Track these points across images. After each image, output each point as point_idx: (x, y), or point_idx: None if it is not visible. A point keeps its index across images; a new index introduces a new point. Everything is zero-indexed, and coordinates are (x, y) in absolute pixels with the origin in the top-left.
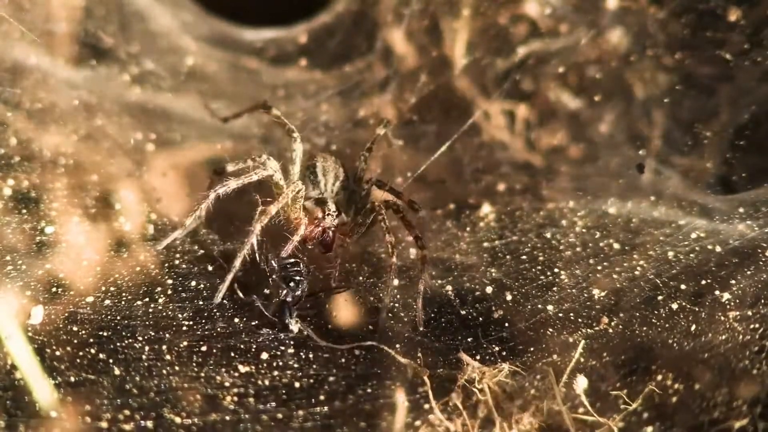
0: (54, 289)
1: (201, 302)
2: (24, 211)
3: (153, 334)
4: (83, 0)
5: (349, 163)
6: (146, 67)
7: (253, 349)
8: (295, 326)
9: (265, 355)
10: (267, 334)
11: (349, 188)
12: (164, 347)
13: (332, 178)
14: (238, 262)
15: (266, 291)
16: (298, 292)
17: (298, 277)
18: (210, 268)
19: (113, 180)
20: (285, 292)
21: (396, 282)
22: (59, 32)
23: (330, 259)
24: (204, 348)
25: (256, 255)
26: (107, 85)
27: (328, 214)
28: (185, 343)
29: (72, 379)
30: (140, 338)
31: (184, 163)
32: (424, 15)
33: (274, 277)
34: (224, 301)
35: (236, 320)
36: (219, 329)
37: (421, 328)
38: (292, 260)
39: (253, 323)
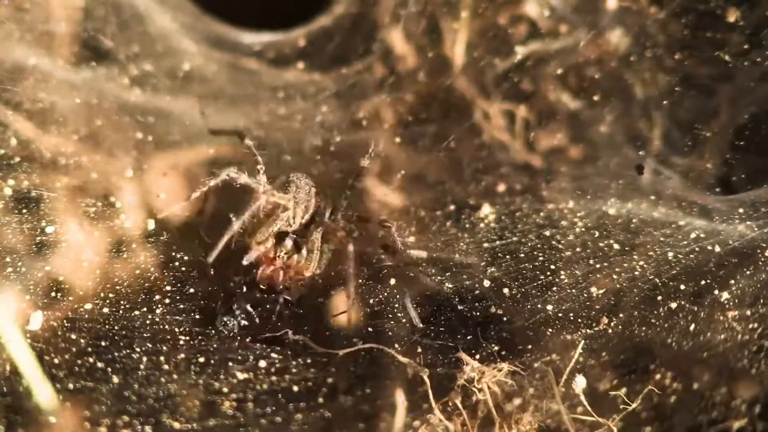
0: (53, 294)
1: (199, 311)
2: (24, 211)
3: (150, 345)
4: (82, 1)
5: (348, 164)
6: (146, 68)
7: (251, 359)
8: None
9: (263, 363)
10: (263, 348)
11: (320, 222)
12: (162, 357)
13: (301, 210)
14: (236, 226)
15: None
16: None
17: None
18: (212, 271)
19: (113, 180)
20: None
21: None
22: (59, 33)
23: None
24: (201, 359)
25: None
26: (107, 85)
27: (279, 255)
28: (182, 355)
29: (71, 385)
30: (138, 348)
31: (184, 163)
32: (422, 16)
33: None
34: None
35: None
36: (215, 344)
37: (420, 325)
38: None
39: (248, 339)
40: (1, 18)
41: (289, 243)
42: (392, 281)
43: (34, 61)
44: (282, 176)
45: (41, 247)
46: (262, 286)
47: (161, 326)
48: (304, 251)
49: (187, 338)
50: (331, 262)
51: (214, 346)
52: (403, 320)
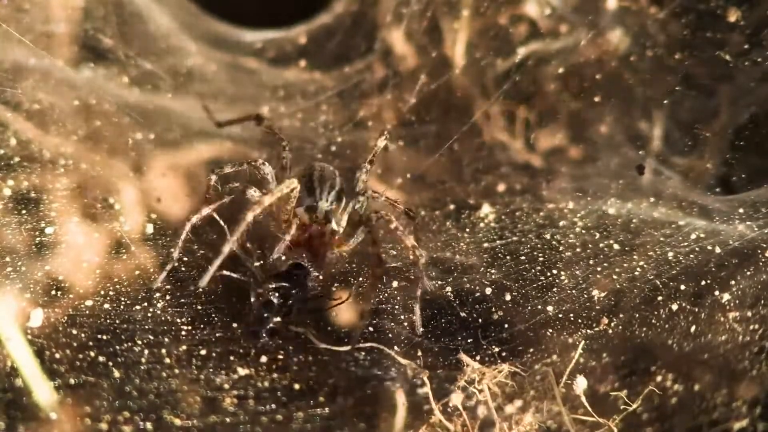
0: (53, 292)
1: (200, 306)
2: (24, 211)
3: (152, 338)
4: (82, 1)
5: (349, 163)
6: (145, 67)
7: (253, 353)
8: (264, 337)
9: (264, 359)
10: (266, 341)
11: (346, 199)
12: (163, 351)
13: (328, 187)
14: (226, 249)
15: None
16: (287, 305)
17: (288, 290)
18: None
19: (113, 180)
20: (271, 299)
21: (375, 299)
22: (58, 33)
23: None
24: (203, 352)
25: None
26: (107, 85)
27: (315, 221)
28: (184, 347)
29: (72, 381)
30: (139, 342)
31: (183, 163)
32: (423, 15)
33: (263, 286)
34: (222, 305)
35: (234, 325)
36: (218, 335)
37: (420, 331)
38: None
39: (252, 329)
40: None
41: (321, 213)
42: (395, 283)
43: (34, 62)
44: (299, 167)
45: (41, 247)
46: (297, 253)
47: (163, 318)
48: (333, 224)
49: (189, 328)
50: (333, 264)
51: (217, 335)
52: (404, 322)
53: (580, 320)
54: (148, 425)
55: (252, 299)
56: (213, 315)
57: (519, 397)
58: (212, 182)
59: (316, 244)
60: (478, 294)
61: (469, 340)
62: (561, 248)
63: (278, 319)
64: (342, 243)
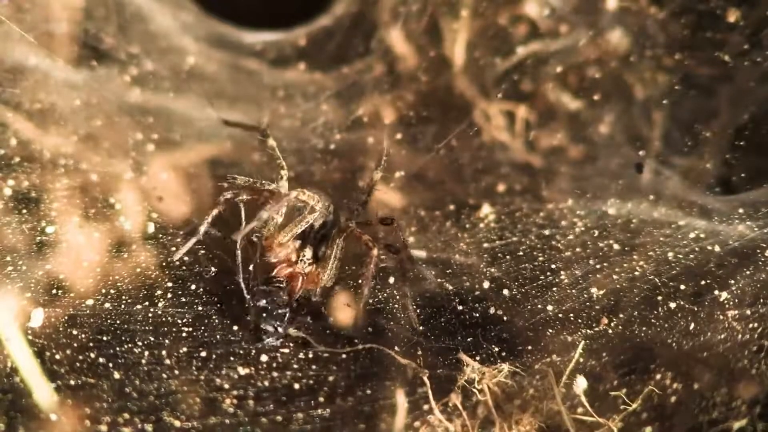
0: (54, 291)
1: (201, 307)
2: (24, 211)
3: (153, 339)
4: (83, 1)
5: (348, 164)
6: (146, 67)
7: (253, 353)
8: (273, 338)
9: (264, 357)
10: (266, 342)
11: (332, 234)
12: (164, 352)
13: (320, 220)
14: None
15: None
16: (280, 311)
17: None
18: (212, 270)
19: (113, 180)
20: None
21: (373, 280)
22: (59, 33)
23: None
24: (203, 353)
25: (240, 275)
26: (107, 85)
27: (301, 260)
28: (185, 349)
29: (72, 382)
30: (140, 343)
31: (184, 163)
32: (423, 15)
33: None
34: (222, 306)
35: (235, 327)
36: (218, 336)
37: (420, 328)
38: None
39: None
40: (1, 18)
41: (309, 252)
42: (391, 280)
43: (34, 62)
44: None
45: (42, 246)
46: (280, 285)
47: (163, 318)
48: (317, 265)
49: (190, 329)
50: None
51: (217, 338)
52: (404, 322)
53: (579, 320)
54: (148, 426)
55: (247, 303)
56: (213, 316)
57: (519, 397)
58: (222, 201)
59: (294, 282)
60: (478, 293)
61: (468, 340)
62: (561, 248)
63: (278, 324)
64: (323, 278)
